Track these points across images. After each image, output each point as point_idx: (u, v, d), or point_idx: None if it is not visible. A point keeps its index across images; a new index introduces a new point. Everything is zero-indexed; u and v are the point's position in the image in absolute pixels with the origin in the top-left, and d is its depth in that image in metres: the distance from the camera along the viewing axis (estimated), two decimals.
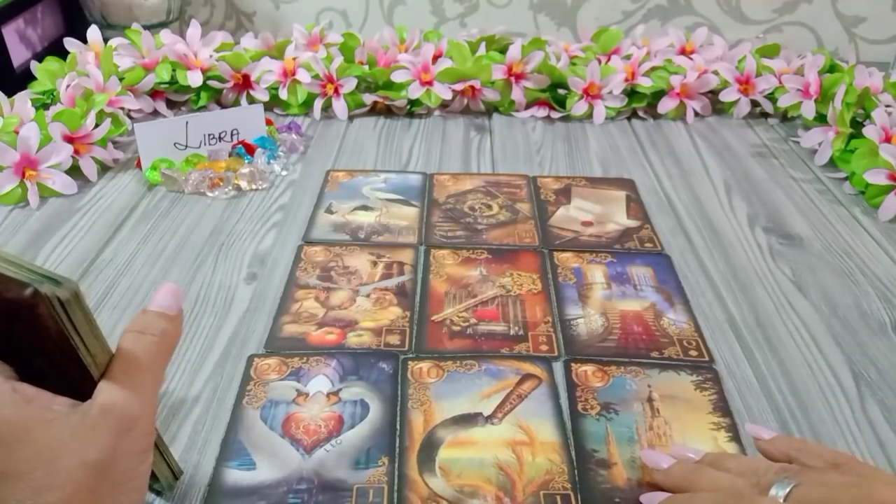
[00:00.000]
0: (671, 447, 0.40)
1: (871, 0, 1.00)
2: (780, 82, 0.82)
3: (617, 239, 0.60)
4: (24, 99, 0.71)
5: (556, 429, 0.42)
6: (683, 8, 1.03)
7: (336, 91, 0.82)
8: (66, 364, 0.28)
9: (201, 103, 0.83)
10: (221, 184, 0.66)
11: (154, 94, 0.82)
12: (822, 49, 0.99)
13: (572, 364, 0.46)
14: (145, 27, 0.84)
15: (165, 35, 0.85)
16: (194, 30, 0.84)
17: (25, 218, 0.63)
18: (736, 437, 0.41)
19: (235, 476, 0.38)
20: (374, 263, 0.56)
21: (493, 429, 0.42)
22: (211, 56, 0.83)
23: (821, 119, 0.77)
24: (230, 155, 0.71)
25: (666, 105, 0.83)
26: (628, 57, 0.86)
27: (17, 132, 0.65)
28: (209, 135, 0.71)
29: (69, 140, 0.67)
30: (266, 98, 0.82)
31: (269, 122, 0.75)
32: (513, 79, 0.83)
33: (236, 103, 0.83)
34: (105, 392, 0.28)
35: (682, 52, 0.88)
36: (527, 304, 0.52)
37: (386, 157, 0.75)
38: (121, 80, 0.78)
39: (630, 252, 0.58)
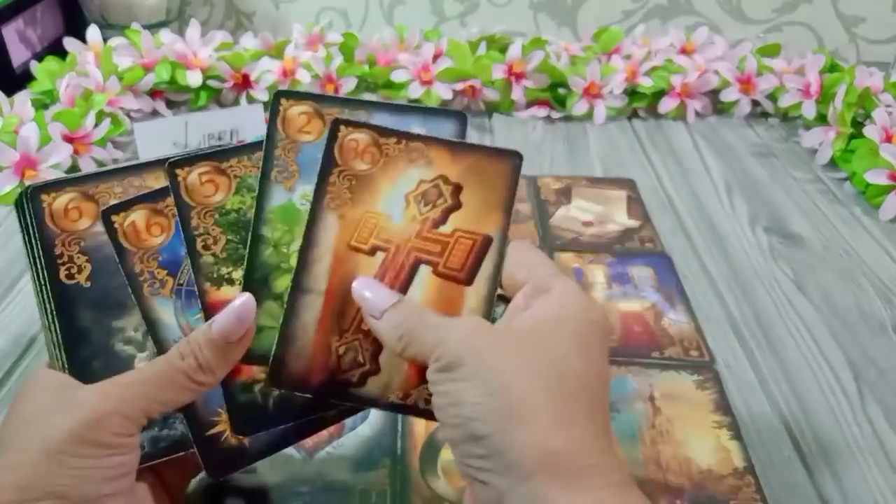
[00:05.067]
0: None
1: (871, 0, 1.00)
2: (781, 82, 0.82)
3: (617, 239, 0.60)
4: (23, 99, 0.71)
5: None
6: (684, 7, 1.03)
7: (336, 91, 0.82)
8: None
9: (201, 103, 0.83)
10: None
11: (153, 93, 0.82)
12: (823, 49, 0.98)
13: None
14: (145, 27, 0.84)
15: (165, 35, 0.85)
16: (194, 29, 0.84)
17: None
18: (738, 436, 0.42)
19: (236, 478, 0.38)
20: None
21: None
22: (210, 56, 0.83)
23: (821, 119, 0.77)
24: None
25: (666, 105, 0.83)
26: (629, 56, 0.86)
27: (16, 132, 0.64)
28: (209, 134, 0.71)
29: (69, 140, 0.67)
30: (266, 98, 0.82)
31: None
32: (513, 78, 0.83)
33: (236, 103, 0.83)
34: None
35: (683, 51, 0.88)
36: None
37: None
38: (120, 79, 0.77)
39: (631, 252, 0.58)
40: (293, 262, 0.31)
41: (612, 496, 0.25)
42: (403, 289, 0.31)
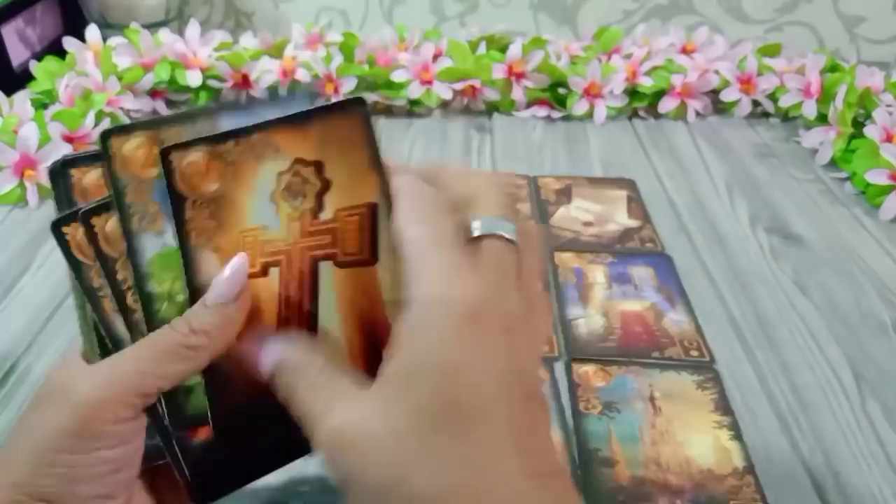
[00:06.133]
0: None
1: (871, 0, 1.00)
2: (782, 82, 0.82)
3: (618, 239, 0.60)
4: (23, 99, 0.71)
5: (558, 428, 0.42)
6: (684, 7, 1.03)
7: (336, 91, 0.82)
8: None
9: (201, 103, 0.83)
10: None
11: (153, 93, 0.82)
12: (823, 49, 0.98)
13: (573, 364, 0.46)
14: (144, 26, 0.84)
15: (164, 34, 0.85)
16: (193, 29, 0.84)
17: (25, 218, 0.63)
18: (738, 436, 0.41)
19: None
20: None
21: None
22: (210, 55, 0.83)
23: (822, 119, 0.77)
24: None
25: (667, 104, 0.83)
26: (629, 56, 0.86)
27: (16, 132, 0.64)
28: None
29: (68, 140, 0.67)
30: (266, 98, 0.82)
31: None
32: (513, 78, 0.83)
33: None
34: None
35: (683, 51, 0.88)
36: None
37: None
38: (120, 79, 0.77)
39: (631, 252, 0.58)
40: None
41: None
42: (312, 296, 0.28)
